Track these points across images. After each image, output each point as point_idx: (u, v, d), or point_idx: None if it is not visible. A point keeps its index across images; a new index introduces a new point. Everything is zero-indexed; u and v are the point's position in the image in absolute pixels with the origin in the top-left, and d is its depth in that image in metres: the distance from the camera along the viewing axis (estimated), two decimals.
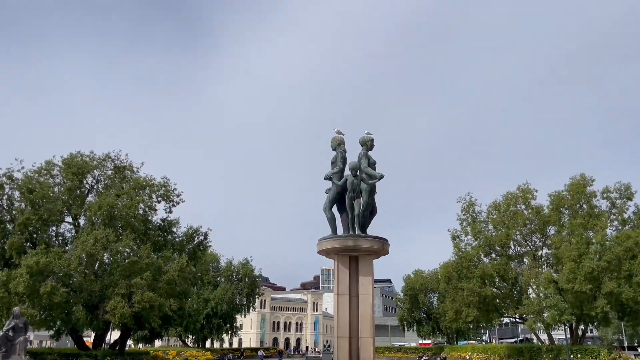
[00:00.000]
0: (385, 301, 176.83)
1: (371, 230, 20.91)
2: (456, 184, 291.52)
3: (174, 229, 42.91)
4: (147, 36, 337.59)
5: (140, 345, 66.83)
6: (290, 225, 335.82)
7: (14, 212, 37.14)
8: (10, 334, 24.55)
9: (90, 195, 40.02)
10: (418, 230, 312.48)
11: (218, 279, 71.06)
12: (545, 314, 41.99)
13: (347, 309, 19.78)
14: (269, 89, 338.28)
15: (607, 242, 40.07)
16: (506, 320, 77.24)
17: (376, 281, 23.36)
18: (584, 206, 45.07)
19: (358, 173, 20.77)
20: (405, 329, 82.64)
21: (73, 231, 39.29)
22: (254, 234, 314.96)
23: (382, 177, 20.45)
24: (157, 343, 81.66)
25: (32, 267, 31.40)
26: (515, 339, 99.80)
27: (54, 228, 39.12)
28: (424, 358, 63.82)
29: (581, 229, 41.61)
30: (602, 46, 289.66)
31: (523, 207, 47.58)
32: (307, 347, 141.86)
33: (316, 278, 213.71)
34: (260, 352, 74.18)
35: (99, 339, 41.61)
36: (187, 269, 38.29)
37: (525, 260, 48.57)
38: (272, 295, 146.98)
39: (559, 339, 61.44)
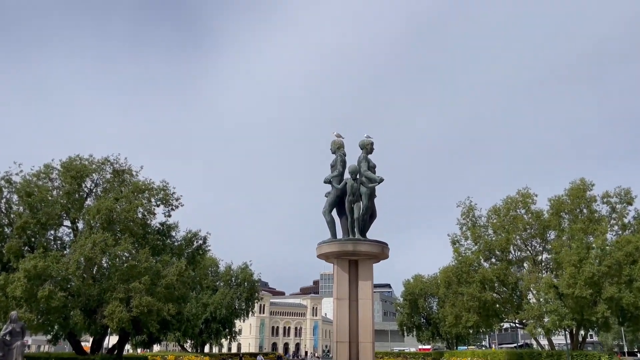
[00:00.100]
0: (385, 306, 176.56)
1: (371, 234, 20.85)
2: (456, 188, 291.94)
3: (173, 233, 42.74)
4: (146, 38, 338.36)
5: (139, 350, 66.58)
6: (290, 229, 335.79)
7: (12, 215, 37.00)
8: (8, 338, 24.38)
9: (89, 199, 39.88)
10: (418, 235, 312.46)
11: (217, 283, 70.87)
12: (546, 319, 41.83)
13: (346, 314, 19.64)
14: (268, 91, 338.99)
15: (607, 247, 39.98)
16: (506, 325, 77.07)
17: (375, 286, 23.19)
18: (584, 211, 44.99)
19: (358, 176, 20.69)
20: (405, 334, 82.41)
21: (71, 235, 39.15)
22: (253, 239, 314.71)
23: (382, 180, 20.38)
24: (156, 348, 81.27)
25: (30, 271, 31.22)
26: (515, 344, 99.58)
27: (52, 232, 38.95)
28: None
29: (581, 234, 41.51)
30: (602, 48, 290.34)
31: (523, 211, 47.46)
32: (306, 352, 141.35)
33: (315, 283, 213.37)
34: (259, 357, 73.98)
35: (97, 343, 41.40)
36: (185, 273, 38.12)
37: (525, 265, 48.41)
38: (271, 300, 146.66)
39: (559, 344, 61.19)
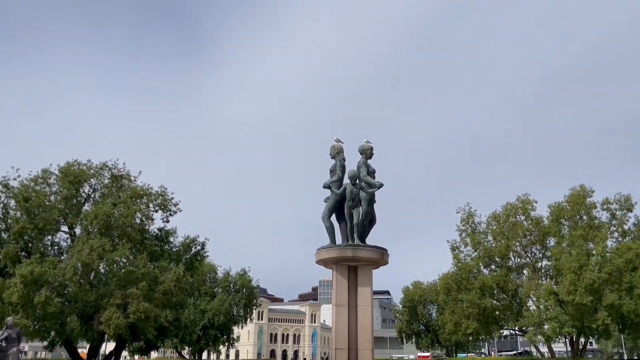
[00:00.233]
0: (384, 313, 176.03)
1: (370, 240, 20.67)
2: (455, 194, 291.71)
3: (171, 239, 42.52)
4: (145, 44, 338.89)
5: (136, 357, 66.11)
6: (289, 235, 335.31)
7: (9, 220, 36.80)
8: (4, 344, 24.13)
9: (86, 204, 39.68)
10: (417, 241, 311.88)
11: (215, 289, 70.43)
12: (546, 326, 41.63)
13: (345, 320, 19.44)
14: (268, 95, 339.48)
15: (607, 254, 39.91)
16: (506, 332, 76.74)
17: (375, 292, 23.07)
18: (584, 217, 44.95)
19: (357, 182, 20.54)
20: (404, 341, 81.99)
21: (69, 240, 38.95)
22: (251, 244, 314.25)
23: (381, 185, 20.25)
24: (153, 354, 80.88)
25: (27, 276, 31.01)
26: (515, 352, 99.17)
27: (50, 237, 38.72)
28: None
29: (581, 241, 41.42)
30: (602, 52, 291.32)
31: (523, 218, 47.39)
32: (304, 359, 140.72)
33: (314, 289, 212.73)
34: None
35: (94, 350, 41.09)
36: (183, 279, 37.88)
37: (525, 271, 48.25)
38: (269, 307, 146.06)
39: (559, 351, 60.97)
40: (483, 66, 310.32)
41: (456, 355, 74.71)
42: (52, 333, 36.97)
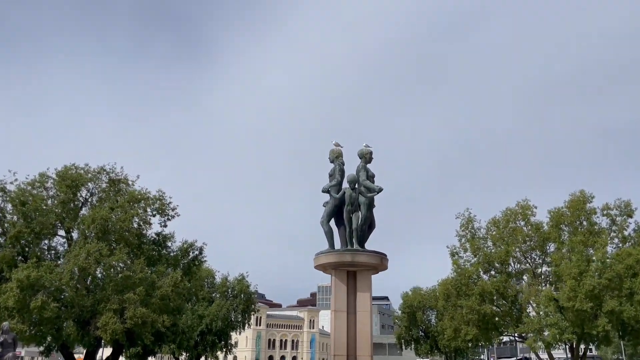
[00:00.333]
0: (383, 319, 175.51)
1: (369, 244, 20.51)
2: (455, 199, 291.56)
3: (169, 244, 42.32)
4: (144, 48, 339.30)
5: None
6: (287, 240, 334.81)
7: (5, 224, 36.54)
8: None
9: (84, 209, 39.48)
10: (416, 246, 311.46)
11: (213, 294, 70.10)
12: (546, 333, 41.44)
13: (344, 326, 19.23)
14: (267, 103, 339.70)
15: (607, 260, 39.77)
16: (505, 339, 76.41)
17: (373, 298, 22.93)
18: (584, 223, 44.80)
19: (356, 186, 20.37)
20: (403, 347, 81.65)
21: (66, 245, 38.71)
22: (250, 250, 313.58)
23: (381, 190, 20.08)
24: None
25: (23, 281, 30.80)
26: (514, 358, 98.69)
27: (47, 241, 38.49)
28: None
29: (581, 246, 41.27)
30: (602, 57, 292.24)
31: (522, 223, 47.25)
32: None
33: (313, 295, 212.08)
34: None
35: (90, 355, 40.74)
36: (181, 284, 37.68)
37: (524, 277, 48.07)
38: (268, 312, 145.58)
39: (559, 358, 60.69)
40: (483, 69, 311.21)
41: None
42: (49, 338, 36.63)
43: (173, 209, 40.78)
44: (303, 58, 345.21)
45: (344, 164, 20.79)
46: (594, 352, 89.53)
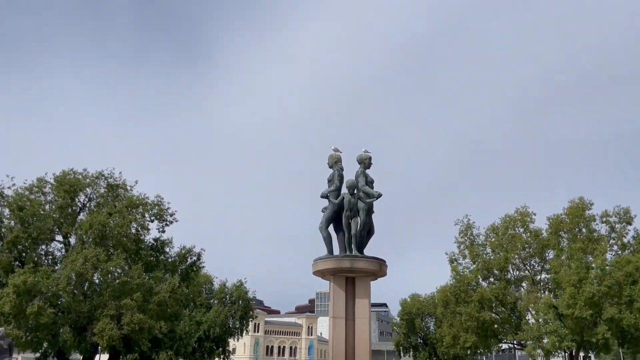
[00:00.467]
0: (381, 326, 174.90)
1: (368, 250, 20.34)
2: (454, 205, 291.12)
3: (167, 249, 42.19)
4: (143, 53, 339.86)
5: None
6: (286, 246, 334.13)
7: (3, 229, 36.37)
8: None
9: (82, 214, 39.36)
10: (415, 253, 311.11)
11: (211, 301, 69.83)
12: (545, 340, 41.31)
13: (342, 333, 19.06)
14: (265, 107, 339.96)
15: (607, 267, 39.72)
16: (505, 346, 76.14)
17: (372, 305, 22.72)
18: (583, 230, 44.82)
19: (355, 191, 20.26)
20: (402, 354, 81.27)
21: (63, 250, 38.55)
22: (248, 256, 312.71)
23: (380, 195, 19.96)
24: None
25: (19, 286, 30.69)
26: None
27: (44, 247, 38.35)
28: None
29: (581, 254, 41.24)
30: (602, 64, 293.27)
31: (521, 230, 47.25)
32: None
33: (311, 301, 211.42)
34: None
35: None
36: (179, 290, 37.52)
37: (524, 284, 47.99)
38: (266, 319, 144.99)
39: None
40: (482, 75, 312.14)
41: None
42: (45, 344, 36.43)
43: (171, 215, 40.73)
44: (303, 61, 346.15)
45: (343, 170, 20.69)
46: None
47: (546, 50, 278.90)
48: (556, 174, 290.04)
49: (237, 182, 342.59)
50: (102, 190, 39.91)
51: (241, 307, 69.97)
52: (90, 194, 39.81)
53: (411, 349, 77.32)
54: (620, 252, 44.24)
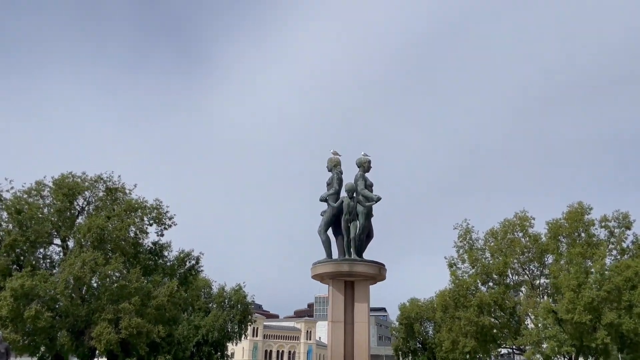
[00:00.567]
0: (380, 330, 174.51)
1: (367, 254, 20.23)
2: (454, 208, 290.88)
3: (165, 253, 42.11)
4: (142, 56, 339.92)
5: None
6: (285, 251, 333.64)
7: (0, 233, 36.30)
8: None
9: (80, 217, 39.29)
10: (414, 257, 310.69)
11: (209, 305, 69.65)
12: (544, 345, 41.21)
13: (341, 338, 18.95)
14: (264, 111, 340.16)
15: (606, 272, 39.67)
16: (504, 351, 75.98)
17: (371, 309, 22.60)
18: (582, 235, 44.78)
19: (354, 195, 20.19)
20: (401, 359, 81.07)
21: (61, 254, 38.45)
22: (247, 260, 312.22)
23: (379, 199, 19.88)
24: None
25: (17, 290, 30.63)
26: None
27: (42, 250, 38.27)
28: None
29: (580, 258, 41.18)
30: (601, 69, 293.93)
31: (521, 234, 47.21)
32: None
33: (310, 306, 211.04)
34: None
35: None
36: (177, 294, 37.44)
37: (523, 289, 47.93)
38: (264, 323, 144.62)
39: None
40: (481, 79, 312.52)
41: None
42: (42, 348, 36.29)
43: (170, 218, 40.71)
44: (302, 61, 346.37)
45: (342, 173, 20.60)
46: None
47: (546, 50, 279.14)
48: (556, 174, 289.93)
49: (237, 184, 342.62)
50: (101, 194, 39.87)
51: (240, 311, 69.79)
52: (89, 197, 39.76)
53: (410, 354, 77.14)
54: (619, 257, 44.17)
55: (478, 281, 47.29)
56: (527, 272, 47.69)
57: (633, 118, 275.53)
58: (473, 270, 47.89)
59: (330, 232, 20.35)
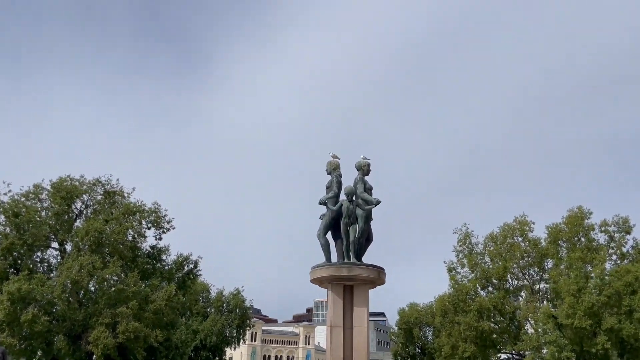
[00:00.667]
0: (379, 335, 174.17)
1: (367, 258, 20.11)
2: (453, 209, 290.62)
3: (163, 257, 41.99)
4: (144, 57, 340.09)
5: None
6: (285, 251, 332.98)
7: None
8: None
9: (78, 221, 39.16)
10: (413, 261, 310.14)
11: (208, 309, 69.37)
12: (544, 351, 41.01)
13: (340, 342, 18.79)
14: (263, 115, 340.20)
15: (606, 277, 39.54)
16: (503, 356, 75.76)
17: (370, 314, 22.38)
18: (582, 239, 44.63)
19: (354, 198, 20.07)
20: None
21: (59, 257, 38.30)
22: (246, 264, 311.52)
23: (378, 202, 19.76)
24: None
25: (14, 293, 30.53)
26: None
27: (39, 254, 38.16)
28: None
29: (580, 263, 41.03)
30: (602, 74, 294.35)
31: (520, 239, 47.07)
32: None
33: (309, 310, 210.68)
34: None
35: None
36: (175, 298, 37.30)
37: (522, 294, 47.76)
38: (263, 328, 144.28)
39: None
40: (480, 82, 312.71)
41: None
42: (39, 353, 36.11)
43: (168, 222, 40.61)
44: (302, 62, 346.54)
45: (341, 176, 20.52)
46: None
47: (546, 50, 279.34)
48: (556, 174, 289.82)
49: (237, 184, 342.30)
50: (99, 197, 39.75)
51: (238, 316, 69.52)
52: (87, 200, 39.65)
53: (409, 359, 76.87)
54: (619, 262, 44.04)
55: (477, 286, 47.12)
56: (527, 277, 47.54)
57: (633, 118, 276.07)
58: (472, 274, 47.74)
59: (329, 235, 20.23)
